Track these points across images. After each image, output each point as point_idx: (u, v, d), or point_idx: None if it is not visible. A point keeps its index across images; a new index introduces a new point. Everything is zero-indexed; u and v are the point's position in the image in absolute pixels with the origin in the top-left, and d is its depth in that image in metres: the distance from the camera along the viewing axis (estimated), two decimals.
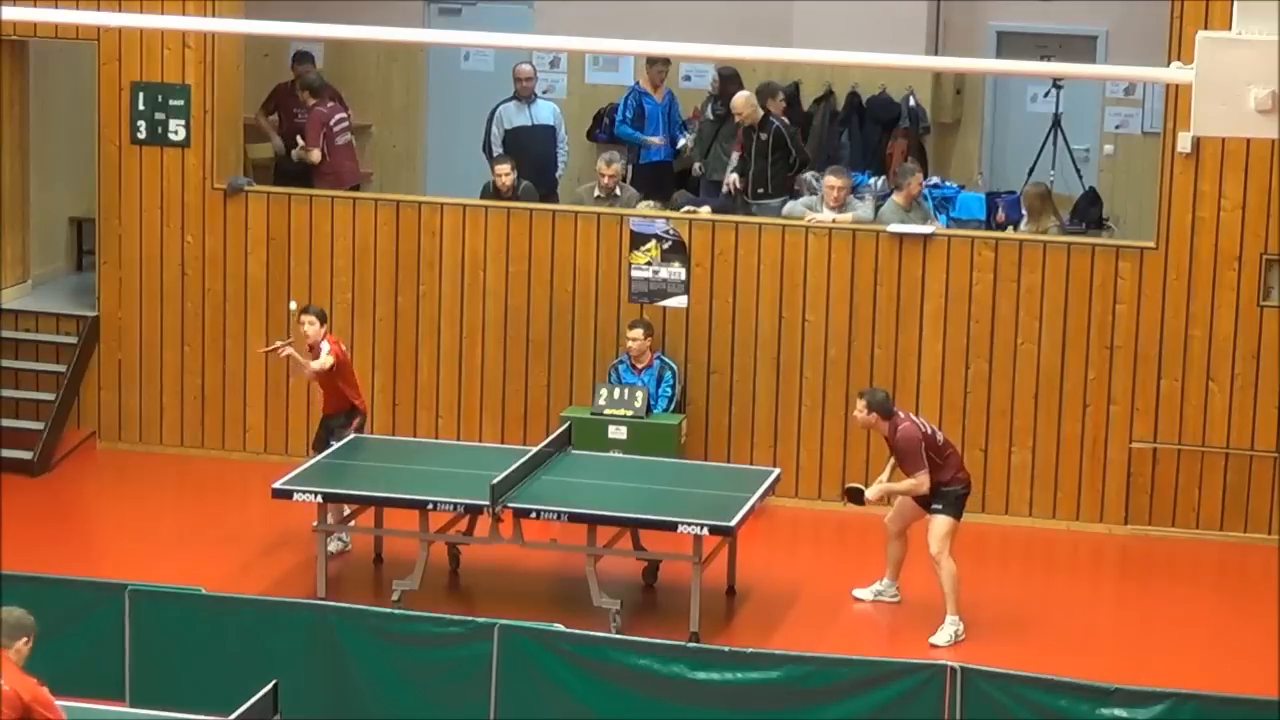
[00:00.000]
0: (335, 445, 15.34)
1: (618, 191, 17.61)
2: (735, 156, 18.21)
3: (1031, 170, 18.72)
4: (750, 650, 12.41)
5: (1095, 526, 16.54)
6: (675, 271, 16.98)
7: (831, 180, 17.01)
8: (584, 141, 19.82)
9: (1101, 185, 19.14)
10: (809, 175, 17.81)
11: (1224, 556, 16.16)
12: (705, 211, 17.32)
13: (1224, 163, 16.04)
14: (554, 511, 14.08)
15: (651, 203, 17.50)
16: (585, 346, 17.12)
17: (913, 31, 19.33)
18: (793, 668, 11.96)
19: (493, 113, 18.93)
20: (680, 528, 13.91)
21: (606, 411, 16.55)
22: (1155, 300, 16.28)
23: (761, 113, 18.09)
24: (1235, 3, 8.66)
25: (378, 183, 20.23)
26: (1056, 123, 18.93)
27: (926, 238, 16.57)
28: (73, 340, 17.79)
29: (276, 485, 14.63)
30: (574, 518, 14.15)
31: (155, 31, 17.11)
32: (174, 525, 16.24)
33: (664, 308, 17.02)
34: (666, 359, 16.81)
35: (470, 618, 12.56)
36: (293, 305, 16.03)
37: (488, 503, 14.00)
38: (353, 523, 15.13)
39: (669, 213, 17.24)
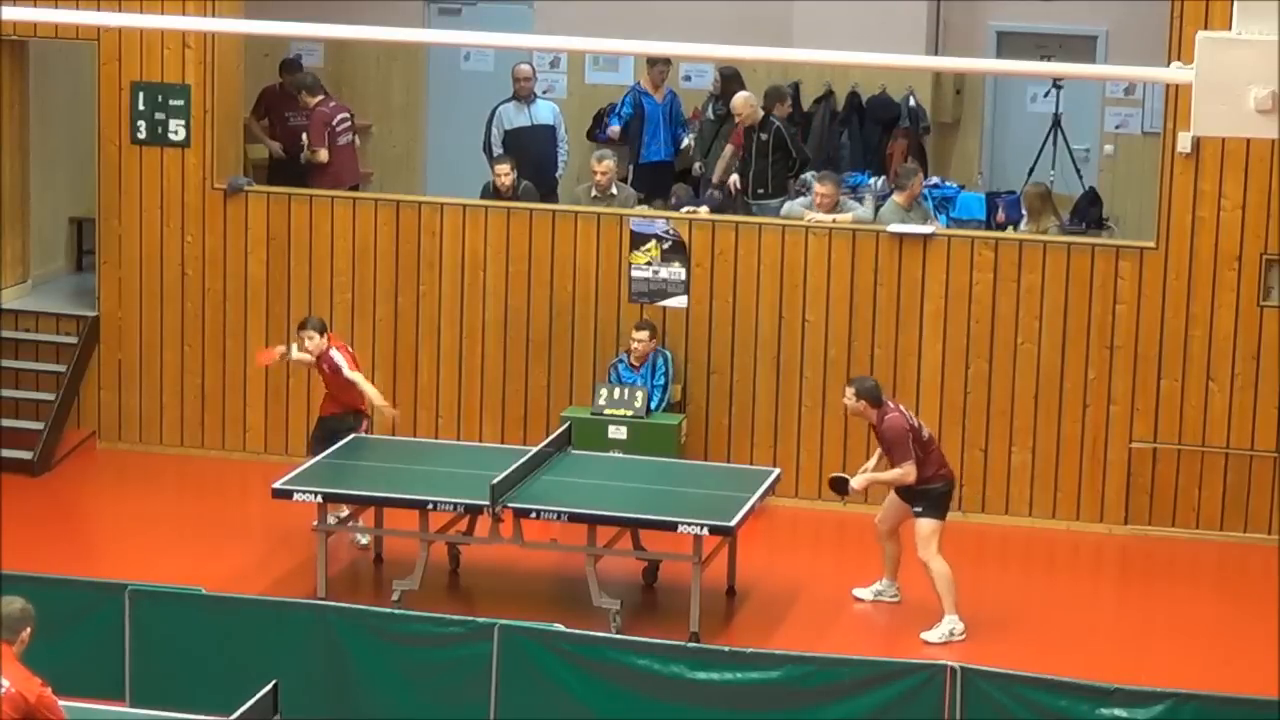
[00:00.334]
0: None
1: (613, 190, 17.61)
2: (728, 150, 18.25)
3: (1031, 170, 18.73)
4: (750, 650, 12.41)
5: (1095, 526, 16.54)
6: (675, 271, 16.99)
7: (820, 188, 17.02)
8: (584, 141, 19.81)
9: (1101, 185, 19.15)
10: (809, 175, 17.83)
11: (1224, 556, 16.16)
12: (705, 212, 17.33)
13: (1224, 163, 16.04)
14: (554, 511, 14.08)
15: (657, 202, 17.51)
16: (585, 346, 17.13)
17: (913, 31, 19.34)
18: (793, 668, 11.96)
19: (493, 113, 18.94)
20: (680, 528, 13.91)
21: (606, 411, 16.55)
22: (1155, 300, 16.28)
23: (761, 113, 18.11)
24: (1235, 3, 8.66)
25: (378, 183, 20.23)
26: (1056, 123, 18.93)
27: (926, 238, 16.57)
28: (73, 340, 17.79)
29: (276, 485, 14.63)
30: (574, 518, 14.15)
31: (155, 31, 17.11)
32: (174, 525, 16.23)
33: (664, 308, 17.02)
34: (661, 348, 16.79)
35: (470, 618, 12.56)
36: (280, 350, 16.03)
37: (488, 503, 14.00)
38: (353, 522, 15.12)
39: (669, 213, 17.24)
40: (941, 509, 14.18)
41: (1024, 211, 17.60)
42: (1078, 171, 18.92)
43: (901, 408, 14.32)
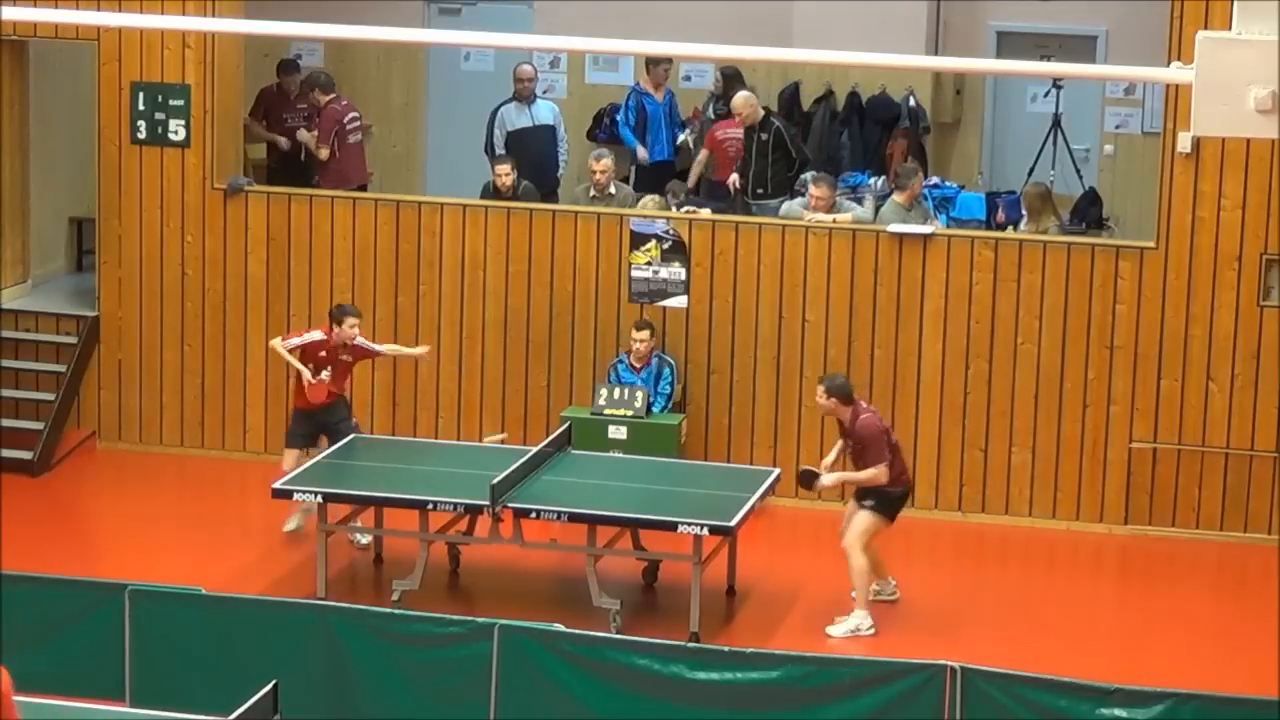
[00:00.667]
0: (341, 439, 15.34)
1: (612, 190, 17.62)
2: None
3: (1031, 170, 18.72)
4: (750, 650, 12.41)
5: (1095, 526, 16.54)
6: (675, 271, 16.99)
7: (814, 190, 17.03)
8: (584, 141, 19.81)
9: (1101, 185, 19.14)
10: (809, 175, 17.82)
11: (1224, 556, 16.16)
12: (705, 212, 17.33)
13: (1224, 163, 16.05)
14: (554, 511, 14.09)
15: (656, 198, 17.50)
16: (585, 346, 17.12)
17: (913, 31, 19.33)
18: (793, 668, 11.96)
19: (494, 114, 18.93)
20: (680, 528, 13.91)
21: (606, 411, 16.55)
22: (1155, 300, 16.28)
23: (762, 113, 18.12)
24: (1235, 3, 8.66)
25: (378, 183, 20.22)
26: (1056, 123, 18.92)
27: (926, 238, 16.57)
28: (73, 340, 17.79)
29: (276, 485, 14.64)
30: (574, 518, 14.15)
31: (155, 31, 17.11)
32: (174, 525, 16.23)
33: (664, 308, 17.02)
34: (665, 355, 16.82)
35: (470, 618, 12.55)
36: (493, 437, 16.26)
37: (488, 503, 14.00)
38: (352, 522, 15.12)
39: (669, 213, 17.24)
40: (891, 512, 14.23)
41: (1024, 211, 17.59)
42: (1078, 171, 18.91)
43: (874, 409, 14.34)
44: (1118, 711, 11.48)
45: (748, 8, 19.42)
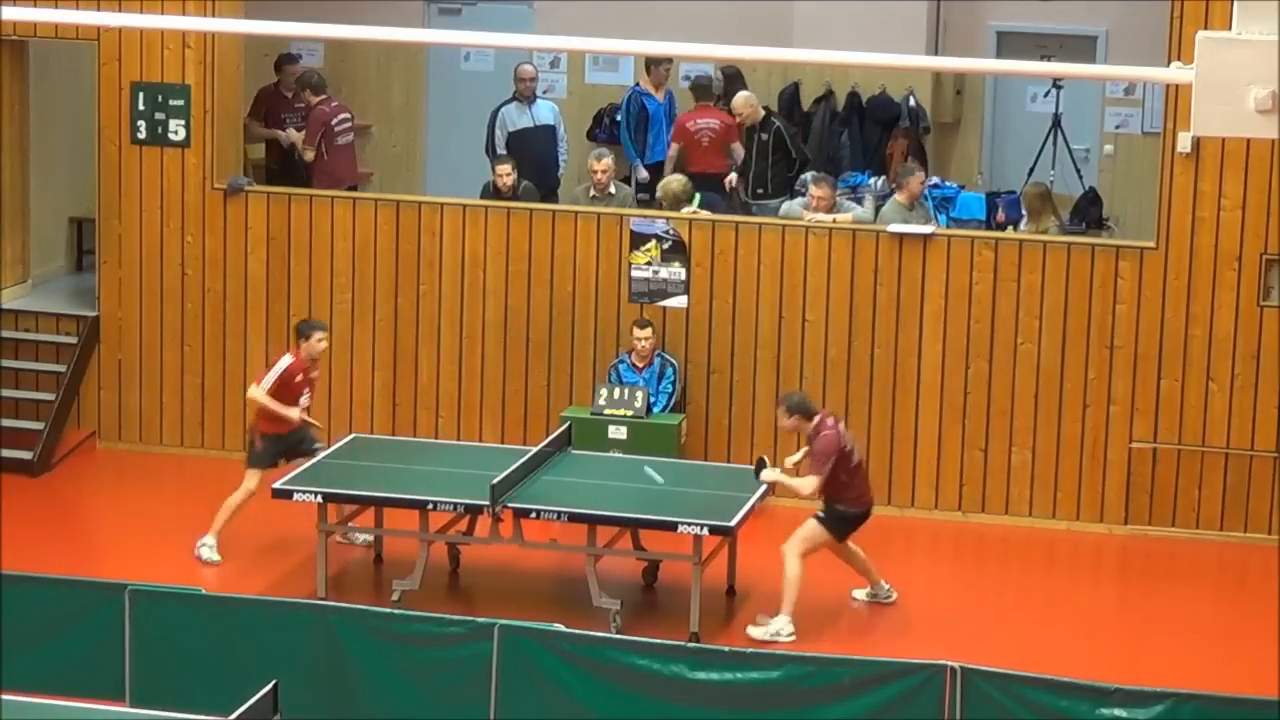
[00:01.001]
0: (310, 459, 15.20)
1: (612, 190, 17.62)
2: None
3: (1031, 170, 18.73)
4: (750, 650, 12.41)
5: (1095, 526, 16.54)
6: (675, 271, 16.98)
7: (815, 190, 17.03)
8: (584, 141, 19.82)
9: (1101, 185, 19.15)
10: (809, 175, 17.82)
11: (1224, 556, 16.16)
12: (705, 212, 17.33)
13: (1224, 163, 16.04)
14: (554, 511, 14.09)
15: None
16: (585, 346, 17.12)
17: (913, 31, 19.34)
18: (793, 668, 11.95)
19: (494, 115, 18.93)
20: (680, 528, 13.92)
21: (606, 411, 16.55)
22: (1155, 300, 16.28)
23: (762, 113, 18.11)
24: (1235, 3, 8.66)
25: (378, 183, 20.24)
26: (1056, 123, 18.93)
27: (926, 238, 16.57)
28: (73, 340, 17.79)
29: (276, 485, 14.64)
30: (574, 518, 14.15)
31: (155, 31, 17.11)
32: (174, 525, 16.21)
33: (664, 308, 17.02)
34: (667, 356, 16.81)
35: (470, 618, 12.55)
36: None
37: (488, 503, 14.00)
38: (352, 522, 15.12)
39: (669, 213, 17.24)
40: (841, 530, 14.24)
41: (1024, 211, 17.59)
42: (1078, 171, 18.92)
43: (840, 428, 14.28)
44: (1118, 711, 11.47)
45: (748, 8, 19.43)
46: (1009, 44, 19.71)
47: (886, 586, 14.79)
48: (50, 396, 17.64)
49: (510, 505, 14.10)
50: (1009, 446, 16.62)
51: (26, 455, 17.28)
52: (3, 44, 17.64)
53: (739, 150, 18.30)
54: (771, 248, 16.81)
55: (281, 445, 15.34)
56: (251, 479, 15.21)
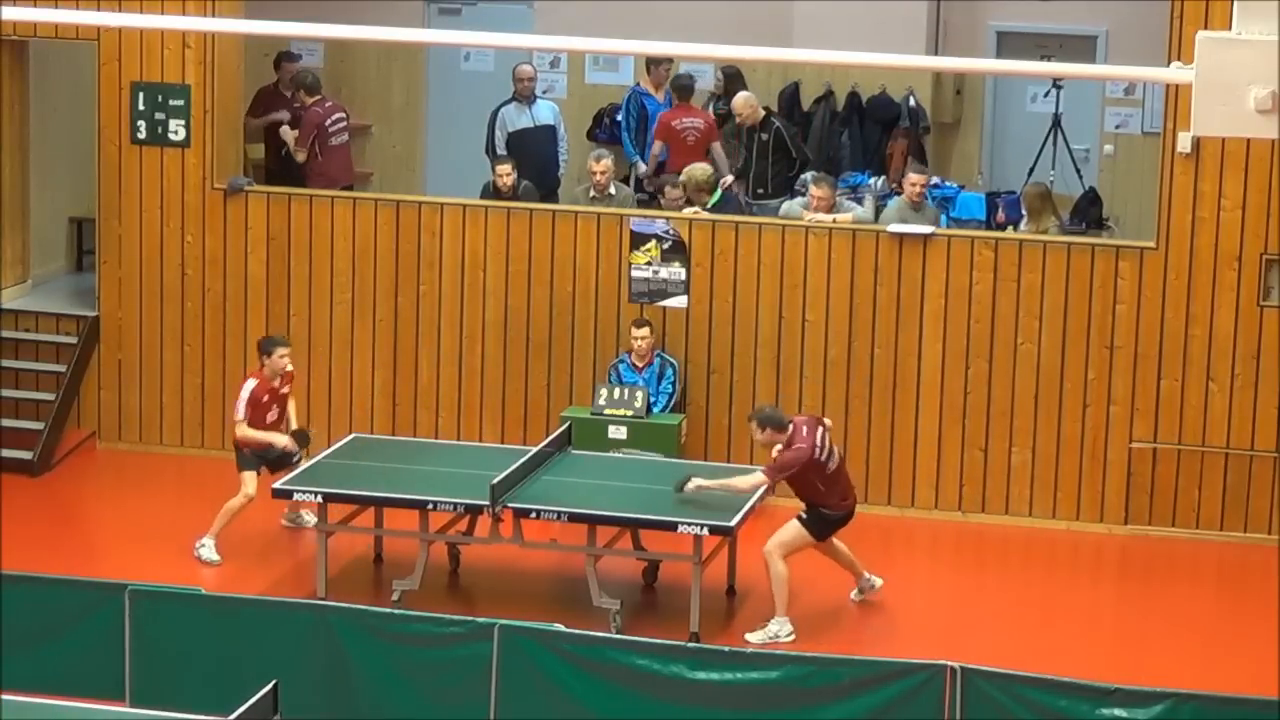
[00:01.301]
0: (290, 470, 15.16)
1: (612, 190, 17.61)
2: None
3: (1031, 170, 18.73)
4: (750, 650, 12.42)
5: (1095, 526, 16.54)
6: (675, 271, 16.99)
7: (815, 190, 17.03)
8: (584, 141, 19.82)
9: (1101, 185, 19.15)
10: (809, 175, 17.82)
11: (1224, 556, 16.16)
12: (703, 212, 17.32)
13: (1224, 163, 16.05)
14: (554, 511, 14.09)
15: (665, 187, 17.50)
16: (585, 346, 17.12)
17: (913, 31, 19.34)
18: (793, 668, 11.95)
19: (494, 115, 18.93)
20: (680, 528, 13.92)
21: (606, 411, 16.55)
22: (1155, 300, 16.28)
23: (762, 113, 18.11)
24: (1235, 3, 8.67)
25: (378, 183, 20.24)
26: (1056, 123, 18.93)
27: (926, 238, 16.57)
28: (73, 340, 17.79)
29: (276, 485, 14.65)
30: (574, 518, 14.15)
31: (155, 31, 17.11)
32: (174, 525, 16.21)
33: (664, 308, 17.02)
34: (667, 356, 16.82)
35: (470, 618, 12.55)
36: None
37: (488, 503, 14.00)
38: (352, 522, 15.12)
39: (669, 213, 17.24)
40: (822, 531, 14.22)
41: (1024, 211, 17.59)
42: (1078, 171, 18.92)
43: (817, 440, 14.13)
44: (1118, 711, 11.47)
45: (748, 8, 19.43)
46: (1009, 44, 19.71)
47: (868, 576, 14.79)
48: (50, 396, 17.64)
49: (510, 505, 14.10)
50: (1009, 446, 16.62)
51: (26, 455, 17.28)
52: (3, 44, 17.65)
53: (720, 152, 18.36)
54: (771, 248, 16.81)
55: (266, 455, 15.41)
56: (249, 483, 15.21)
